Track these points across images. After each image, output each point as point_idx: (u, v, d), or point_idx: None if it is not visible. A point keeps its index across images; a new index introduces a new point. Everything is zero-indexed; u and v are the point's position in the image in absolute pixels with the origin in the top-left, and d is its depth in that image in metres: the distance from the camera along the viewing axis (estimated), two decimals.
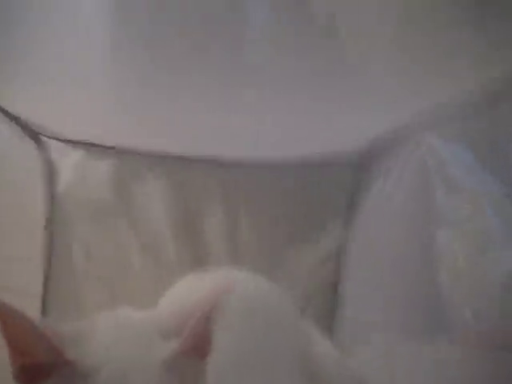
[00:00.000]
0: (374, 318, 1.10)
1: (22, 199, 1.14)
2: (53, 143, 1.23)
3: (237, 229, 1.27)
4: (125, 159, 1.26)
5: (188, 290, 0.85)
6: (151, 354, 0.58)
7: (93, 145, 1.25)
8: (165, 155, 1.26)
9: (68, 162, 1.24)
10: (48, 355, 0.56)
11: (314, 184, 1.29)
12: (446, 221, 0.96)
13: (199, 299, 0.61)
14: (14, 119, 1.11)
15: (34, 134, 1.19)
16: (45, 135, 1.21)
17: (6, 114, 1.09)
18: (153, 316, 0.67)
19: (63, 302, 1.21)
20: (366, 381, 0.98)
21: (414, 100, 0.99)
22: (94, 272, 1.23)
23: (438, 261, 0.95)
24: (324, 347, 0.98)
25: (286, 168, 1.28)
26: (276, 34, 0.88)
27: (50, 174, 1.23)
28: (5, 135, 1.10)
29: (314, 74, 0.95)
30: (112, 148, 1.25)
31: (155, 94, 1.04)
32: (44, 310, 1.18)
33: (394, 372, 0.98)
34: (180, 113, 1.10)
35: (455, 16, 0.78)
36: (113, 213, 1.25)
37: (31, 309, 1.15)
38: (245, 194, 1.28)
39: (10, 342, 0.57)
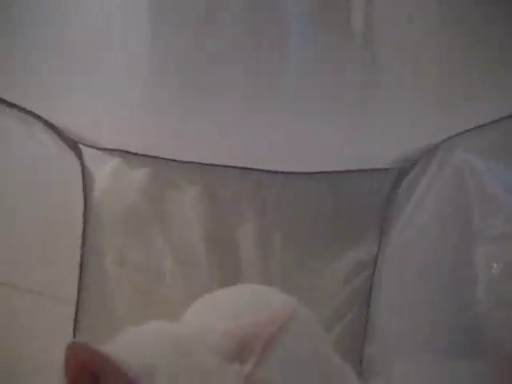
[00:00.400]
0: (406, 335, 1.09)
1: (60, 206, 1.17)
2: (90, 151, 1.24)
3: (269, 238, 1.27)
4: (160, 168, 1.27)
5: (235, 308, 0.83)
6: (229, 380, 0.56)
7: (129, 153, 1.26)
8: (200, 164, 1.27)
9: (104, 169, 1.26)
10: None
11: (351, 194, 1.28)
12: (484, 239, 0.95)
13: (261, 323, 0.60)
14: (54, 129, 1.14)
15: (72, 143, 1.21)
16: (83, 144, 1.23)
17: (47, 123, 1.12)
18: (207, 336, 0.62)
19: (96, 307, 1.22)
20: None
21: (455, 115, 1.00)
22: (127, 278, 1.24)
23: (475, 279, 0.94)
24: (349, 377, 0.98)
25: (322, 177, 1.28)
26: (315, 53, 0.89)
27: (87, 181, 1.24)
28: (45, 144, 1.13)
29: (352, 86, 0.97)
30: (148, 156, 1.26)
31: (192, 104, 1.06)
32: (77, 315, 1.20)
33: None
34: (216, 123, 1.11)
35: (497, 35, 0.79)
36: (147, 220, 1.26)
37: (64, 314, 1.18)
38: (279, 204, 1.28)
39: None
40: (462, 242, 1.00)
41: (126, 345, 0.61)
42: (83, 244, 1.23)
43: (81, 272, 1.22)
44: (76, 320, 1.19)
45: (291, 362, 0.77)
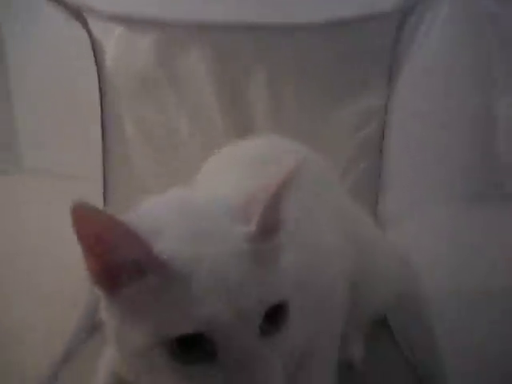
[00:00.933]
0: (421, 184, 1.09)
1: (75, 79, 1.19)
2: (96, 21, 1.24)
3: (280, 91, 1.27)
4: (166, 31, 1.26)
5: (247, 162, 0.84)
6: (233, 242, 0.56)
7: (134, 19, 1.25)
8: (206, 25, 1.25)
9: (112, 38, 1.26)
10: (136, 253, 0.53)
11: (357, 40, 1.25)
12: (504, 85, 0.93)
13: (267, 181, 0.58)
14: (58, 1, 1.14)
15: (78, 14, 1.21)
16: (88, 13, 1.22)
17: None
18: (219, 201, 0.63)
19: (120, 174, 1.28)
20: (407, 256, 1.00)
21: None
22: (146, 142, 1.29)
23: (493, 122, 0.93)
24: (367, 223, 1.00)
25: (326, 26, 1.24)
26: None
27: (97, 51, 1.25)
28: (53, 19, 1.14)
29: None
30: (153, 20, 1.25)
31: None
32: (105, 188, 1.26)
33: (439, 242, 0.97)
34: None
35: None
36: (159, 84, 1.28)
37: (95, 193, 1.23)
38: (287, 56, 1.26)
39: (88, 244, 0.53)
40: (478, 87, 0.97)
41: (138, 213, 0.62)
42: (102, 114, 1.27)
43: (103, 139, 1.27)
44: (105, 193, 1.26)
45: (304, 214, 0.77)
